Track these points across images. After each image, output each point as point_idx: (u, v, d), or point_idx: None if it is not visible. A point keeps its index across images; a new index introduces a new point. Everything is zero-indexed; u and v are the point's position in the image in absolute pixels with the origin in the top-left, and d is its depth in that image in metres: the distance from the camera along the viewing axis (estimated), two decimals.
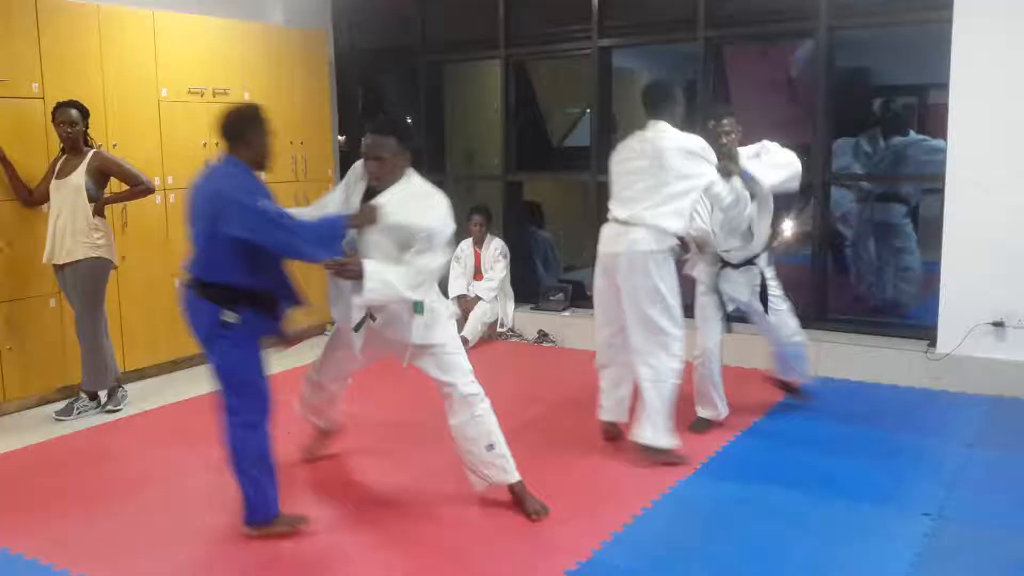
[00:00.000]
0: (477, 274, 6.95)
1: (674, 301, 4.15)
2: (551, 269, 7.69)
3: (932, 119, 7.06)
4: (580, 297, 6.76)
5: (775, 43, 7.26)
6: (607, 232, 4.28)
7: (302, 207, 3.96)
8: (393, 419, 4.92)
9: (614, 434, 4.46)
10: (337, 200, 3.78)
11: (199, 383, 5.65)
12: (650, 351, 4.14)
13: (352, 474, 4.18)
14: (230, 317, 3.36)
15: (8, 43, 5.04)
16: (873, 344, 5.60)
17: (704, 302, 4.60)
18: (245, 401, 3.48)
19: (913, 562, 3.21)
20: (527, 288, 7.18)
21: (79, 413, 5.05)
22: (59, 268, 5.01)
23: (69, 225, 4.91)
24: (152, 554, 3.41)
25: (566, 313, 6.80)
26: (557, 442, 4.49)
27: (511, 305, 6.97)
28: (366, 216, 3.53)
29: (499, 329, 6.88)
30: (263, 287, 3.44)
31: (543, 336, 6.77)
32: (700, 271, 4.60)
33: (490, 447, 3.68)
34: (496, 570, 3.24)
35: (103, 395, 5.17)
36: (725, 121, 4.43)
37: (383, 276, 3.44)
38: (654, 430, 4.13)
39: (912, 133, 7.10)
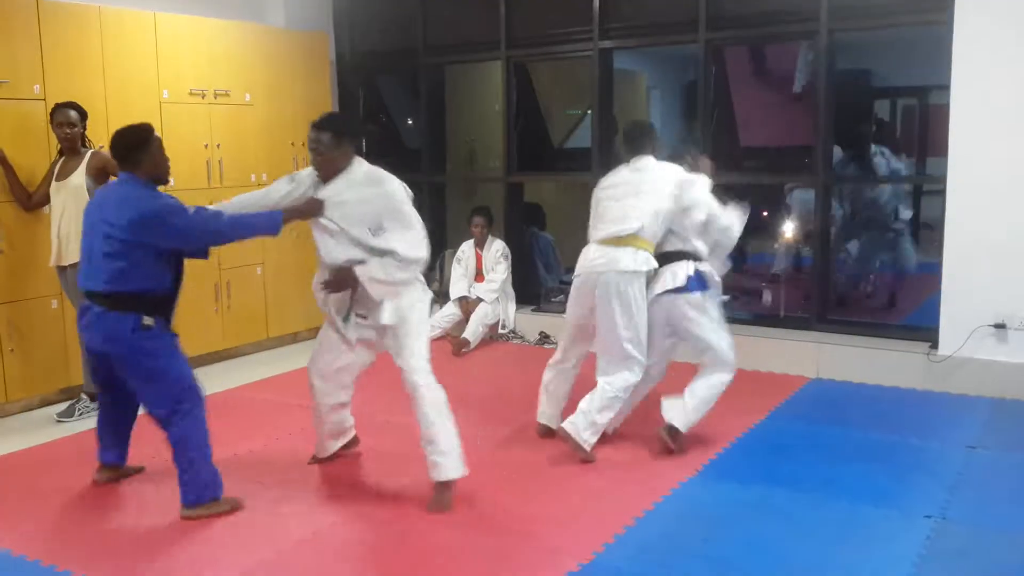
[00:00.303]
0: (478, 275, 6.95)
1: (644, 329, 4.26)
2: (552, 270, 7.69)
3: (933, 122, 7.08)
4: None
5: (775, 44, 7.27)
6: (589, 253, 4.37)
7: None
8: (393, 420, 4.92)
9: (547, 434, 4.58)
10: (281, 191, 3.91)
11: None
12: (613, 369, 4.28)
13: (352, 475, 4.17)
14: (149, 321, 3.57)
15: (9, 44, 5.04)
16: (874, 346, 5.59)
17: (721, 312, 4.44)
18: (184, 396, 3.64)
19: (915, 563, 3.21)
20: (528, 289, 7.18)
21: (81, 414, 5.05)
22: (62, 269, 5.01)
23: (74, 226, 4.91)
24: (153, 555, 3.40)
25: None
26: (559, 444, 4.48)
27: (512, 306, 6.97)
28: (307, 209, 3.74)
29: (500, 331, 6.88)
30: (167, 289, 3.66)
31: (544, 338, 6.77)
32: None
33: (428, 443, 3.74)
34: (497, 572, 3.24)
35: None
36: (701, 158, 4.64)
37: (373, 276, 3.69)
38: (579, 424, 4.23)
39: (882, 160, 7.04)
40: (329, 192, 3.76)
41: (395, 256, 3.70)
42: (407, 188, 3.88)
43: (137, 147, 3.64)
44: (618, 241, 4.25)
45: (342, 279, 3.74)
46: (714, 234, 4.37)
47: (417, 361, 3.78)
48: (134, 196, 3.60)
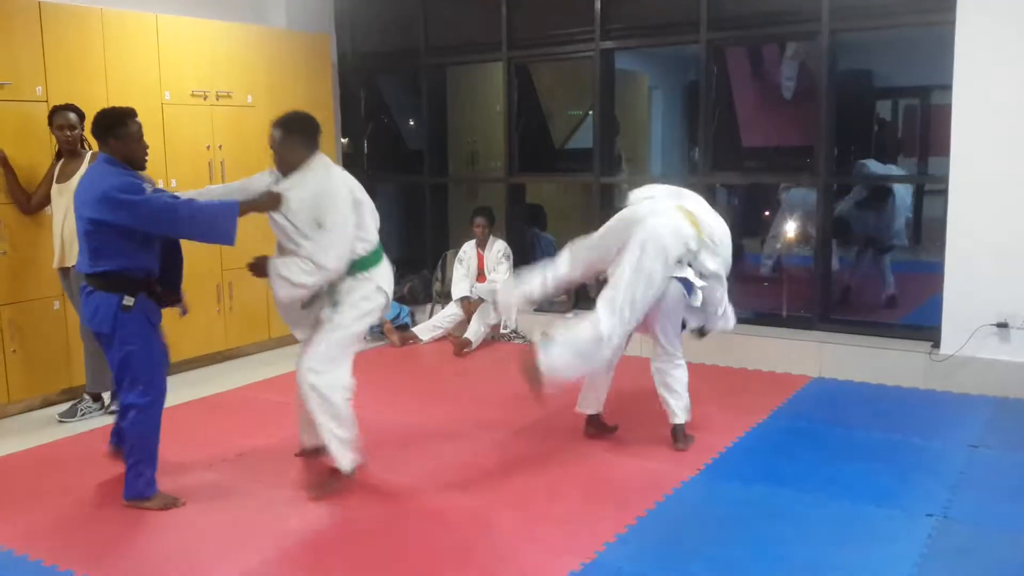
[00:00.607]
0: (480, 276, 6.95)
1: (647, 307, 4.11)
2: None
3: (935, 122, 7.07)
4: (584, 299, 6.76)
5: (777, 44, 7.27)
6: (660, 200, 4.30)
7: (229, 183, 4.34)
8: (396, 419, 4.92)
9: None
10: (264, 183, 3.97)
11: (200, 385, 5.67)
12: (606, 312, 3.99)
13: (354, 474, 4.17)
14: (128, 302, 3.61)
15: (11, 46, 5.05)
16: (876, 345, 5.59)
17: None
18: (148, 386, 3.69)
19: (917, 563, 3.20)
20: None
21: (83, 415, 5.06)
22: (65, 270, 5.01)
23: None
24: (154, 554, 3.41)
25: (569, 315, 6.78)
26: (560, 443, 4.49)
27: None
28: (265, 201, 3.77)
29: (502, 331, 6.88)
30: (150, 272, 3.70)
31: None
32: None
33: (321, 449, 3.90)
34: (499, 571, 3.24)
35: (107, 397, 5.18)
36: None
37: (279, 271, 3.74)
38: (545, 351, 3.94)
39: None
40: (284, 185, 3.81)
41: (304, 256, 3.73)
42: (356, 190, 3.86)
43: (111, 128, 3.67)
44: (694, 221, 4.20)
45: (257, 266, 3.80)
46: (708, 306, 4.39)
47: (313, 360, 3.79)
48: (99, 176, 3.65)
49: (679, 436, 4.37)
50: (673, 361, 4.35)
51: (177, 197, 3.69)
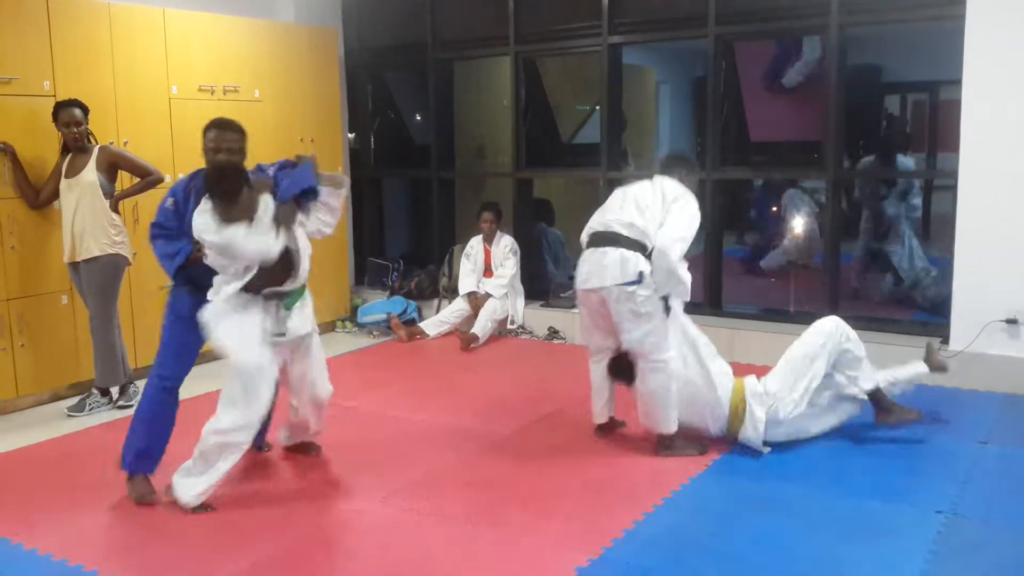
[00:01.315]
0: (487, 271, 6.95)
1: None
2: (561, 266, 7.69)
3: (944, 118, 7.04)
4: None
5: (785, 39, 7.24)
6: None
7: None
8: (402, 414, 4.93)
9: None
10: None
11: (209, 380, 5.66)
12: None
13: (361, 469, 4.17)
14: (164, 283, 3.88)
15: (19, 41, 5.06)
16: (885, 341, 5.56)
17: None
18: (161, 367, 3.85)
19: (926, 558, 3.20)
20: (537, 285, 7.18)
21: (91, 409, 5.08)
22: (75, 265, 5.02)
23: (88, 223, 4.92)
24: (162, 548, 3.42)
25: (576, 310, 6.77)
26: (568, 439, 4.49)
27: (521, 302, 6.97)
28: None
29: (509, 326, 6.88)
30: (189, 273, 3.81)
31: (553, 333, 6.76)
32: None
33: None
34: (506, 567, 3.24)
35: (115, 391, 5.19)
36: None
37: None
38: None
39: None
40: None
41: None
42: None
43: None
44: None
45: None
46: None
47: (221, 396, 3.81)
48: None
49: (662, 442, 4.26)
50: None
51: (167, 233, 3.77)
